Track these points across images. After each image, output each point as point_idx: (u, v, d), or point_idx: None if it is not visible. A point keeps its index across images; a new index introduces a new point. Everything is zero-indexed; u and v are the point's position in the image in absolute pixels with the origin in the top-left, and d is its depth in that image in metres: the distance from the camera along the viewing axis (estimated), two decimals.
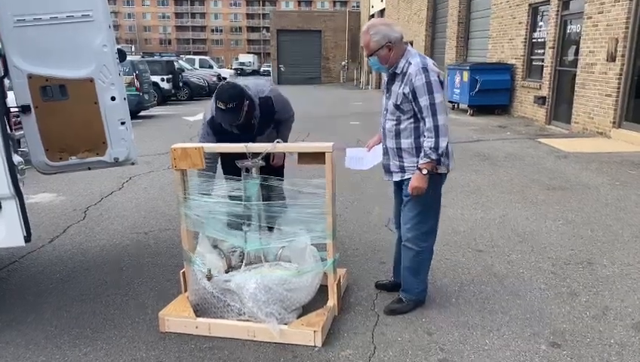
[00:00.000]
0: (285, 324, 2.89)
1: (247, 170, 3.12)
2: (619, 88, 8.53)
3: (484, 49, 14.45)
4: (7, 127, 2.46)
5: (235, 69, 34.28)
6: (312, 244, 3.11)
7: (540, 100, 11.00)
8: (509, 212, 5.00)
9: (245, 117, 3.26)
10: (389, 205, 3.15)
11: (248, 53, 78.12)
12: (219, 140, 3.34)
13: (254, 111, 3.36)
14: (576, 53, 9.88)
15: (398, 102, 2.82)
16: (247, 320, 2.93)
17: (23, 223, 2.53)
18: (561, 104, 10.64)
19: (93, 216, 5.26)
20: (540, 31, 11.48)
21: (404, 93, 2.77)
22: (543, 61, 11.13)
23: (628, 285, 3.44)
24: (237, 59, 67.36)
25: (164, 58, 23.83)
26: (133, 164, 4.24)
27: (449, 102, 13.93)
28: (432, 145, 2.74)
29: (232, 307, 2.96)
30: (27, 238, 2.55)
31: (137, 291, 3.56)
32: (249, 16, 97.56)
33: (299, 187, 3.11)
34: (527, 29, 11.79)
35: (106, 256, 4.20)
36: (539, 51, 11.49)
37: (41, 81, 3.51)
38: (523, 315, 3.08)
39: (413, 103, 2.77)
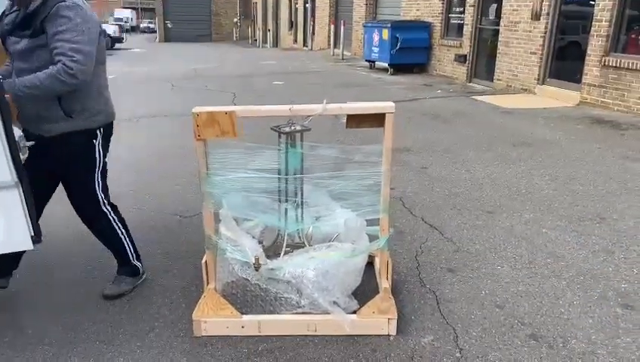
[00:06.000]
0: (353, 313, 2.51)
1: (288, 137, 2.60)
2: (543, 46, 8.91)
3: (395, 7, 14.42)
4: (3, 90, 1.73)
5: (113, 24, 31.05)
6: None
7: (461, 58, 11.24)
8: (492, 171, 4.95)
9: None
10: None
11: (124, 8, 71.68)
12: None
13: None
14: (498, 11, 10.14)
15: None
16: (304, 313, 2.50)
17: (29, 219, 1.84)
18: (481, 62, 10.96)
19: None
20: None
21: None
22: (461, 19, 11.33)
23: None
24: (112, 14, 61.48)
25: None
26: None
27: (366, 60, 13.82)
28: None
29: (286, 299, 2.50)
30: (36, 239, 1.87)
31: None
32: None
33: (348, 154, 2.67)
34: None
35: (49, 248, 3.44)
36: (457, 9, 11.67)
37: None
38: (577, 278, 2.99)
39: None
